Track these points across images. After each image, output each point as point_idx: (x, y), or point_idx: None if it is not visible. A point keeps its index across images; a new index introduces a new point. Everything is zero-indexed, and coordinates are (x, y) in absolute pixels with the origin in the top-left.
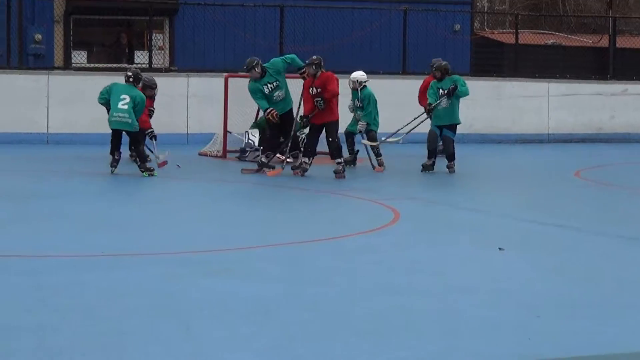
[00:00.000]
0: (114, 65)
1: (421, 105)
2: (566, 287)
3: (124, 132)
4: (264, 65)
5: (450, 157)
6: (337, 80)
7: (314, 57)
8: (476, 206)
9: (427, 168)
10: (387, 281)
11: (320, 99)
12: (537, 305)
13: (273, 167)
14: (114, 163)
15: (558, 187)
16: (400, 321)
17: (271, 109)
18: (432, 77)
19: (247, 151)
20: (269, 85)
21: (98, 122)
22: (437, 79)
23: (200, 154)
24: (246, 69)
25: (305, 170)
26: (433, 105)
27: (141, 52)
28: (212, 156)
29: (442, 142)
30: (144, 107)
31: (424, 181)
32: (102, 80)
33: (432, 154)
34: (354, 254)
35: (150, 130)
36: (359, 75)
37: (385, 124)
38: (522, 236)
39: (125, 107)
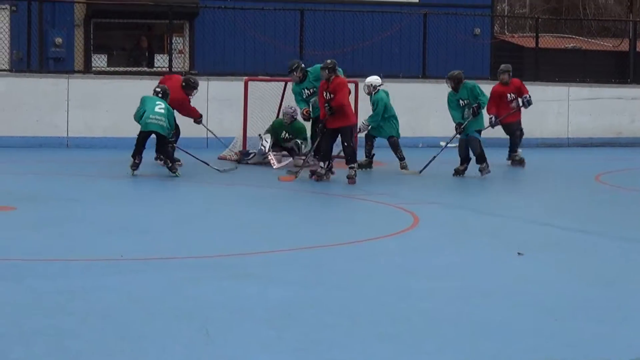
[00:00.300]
0: (134, 69)
1: (489, 113)
2: (586, 291)
3: (153, 136)
4: (308, 69)
5: (480, 158)
6: (348, 88)
7: (328, 61)
8: (496, 210)
9: (458, 172)
10: (408, 285)
11: (328, 105)
12: (557, 309)
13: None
14: (134, 166)
15: (578, 191)
16: (421, 325)
17: (305, 107)
18: (500, 84)
19: (251, 153)
20: (306, 90)
21: (118, 126)
22: (453, 89)
23: (219, 158)
24: (288, 72)
25: (321, 175)
26: (463, 125)
27: (161, 55)
28: (231, 160)
29: (468, 145)
30: (173, 120)
31: (443, 185)
32: (122, 84)
33: (464, 160)
34: (375, 257)
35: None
36: (372, 79)
37: (406, 128)
38: (542, 240)
39: (162, 110)
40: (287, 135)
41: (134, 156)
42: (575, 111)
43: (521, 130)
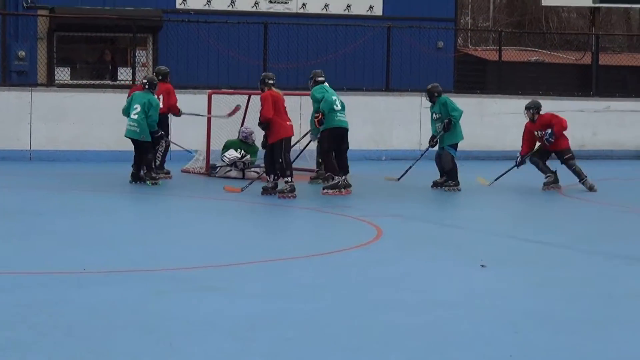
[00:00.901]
0: (98, 82)
1: (521, 154)
2: (547, 303)
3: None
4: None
5: (450, 175)
6: (269, 101)
7: (263, 73)
8: (460, 223)
9: (436, 184)
10: (372, 297)
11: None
12: (519, 321)
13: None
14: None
15: (541, 203)
16: (385, 338)
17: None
18: (530, 123)
19: (218, 167)
20: None
21: (81, 139)
22: (431, 102)
23: (183, 171)
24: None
25: (267, 189)
26: (435, 138)
27: (125, 68)
28: (194, 172)
29: (441, 159)
30: (157, 112)
31: (407, 198)
32: (85, 97)
33: (442, 172)
34: (339, 270)
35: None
36: None
37: (369, 141)
38: (505, 252)
39: (136, 117)
40: (243, 152)
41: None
42: None
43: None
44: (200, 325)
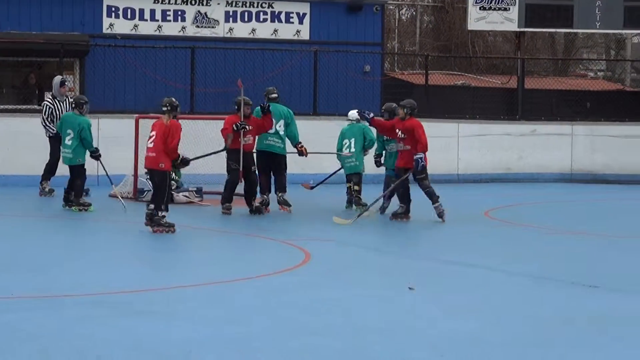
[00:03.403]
0: (24, 107)
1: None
2: (473, 325)
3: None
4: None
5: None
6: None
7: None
8: (386, 247)
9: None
10: (302, 321)
11: None
12: (445, 344)
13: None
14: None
15: (468, 226)
16: None
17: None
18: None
19: (145, 191)
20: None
21: (6, 163)
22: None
23: (110, 196)
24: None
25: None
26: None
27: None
28: (122, 197)
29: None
30: (90, 132)
31: (332, 222)
32: (11, 121)
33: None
34: (270, 293)
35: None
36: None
37: (294, 166)
38: (432, 276)
39: (70, 142)
40: (173, 175)
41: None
42: (465, 147)
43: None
44: (132, 350)
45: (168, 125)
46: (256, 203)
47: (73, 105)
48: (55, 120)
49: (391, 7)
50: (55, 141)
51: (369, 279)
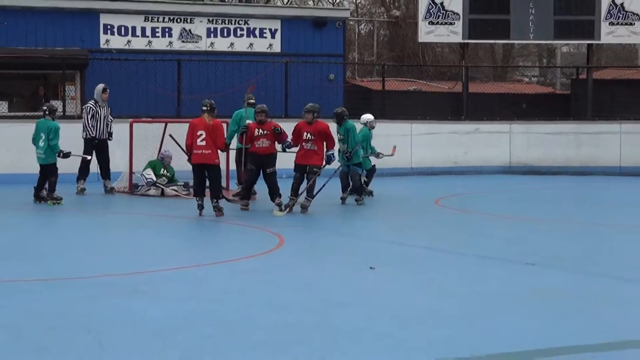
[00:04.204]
0: (32, 113)
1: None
2: (429, 300)
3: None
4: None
5: (357, 191)
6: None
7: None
8: (352, 231)
9: (343, 200)
10: (277, 299)
11: None
12: (406, 317)
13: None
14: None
15: (422, 213)
16: (289, 333)
17: None
18: (305, 123)
19: (139, 186)
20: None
21: (17, 164)
22: (337, 125)
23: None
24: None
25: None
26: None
27: (55, 101)
28: (119, 192)
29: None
30: (57, 135)
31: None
32: (21, 127)
33: (344, 189)
34: (247, 275)
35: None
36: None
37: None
38: (392, 257)
39: (42, 144)
40: (164, 172)
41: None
42: (417, 144)
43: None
44: (126, 326)
45: (212, 124)
46: (277, 201)
47: (47, 112)
48: (96, 123)
49: (351, 22)
50: (91, 143)
51: (336, 259)
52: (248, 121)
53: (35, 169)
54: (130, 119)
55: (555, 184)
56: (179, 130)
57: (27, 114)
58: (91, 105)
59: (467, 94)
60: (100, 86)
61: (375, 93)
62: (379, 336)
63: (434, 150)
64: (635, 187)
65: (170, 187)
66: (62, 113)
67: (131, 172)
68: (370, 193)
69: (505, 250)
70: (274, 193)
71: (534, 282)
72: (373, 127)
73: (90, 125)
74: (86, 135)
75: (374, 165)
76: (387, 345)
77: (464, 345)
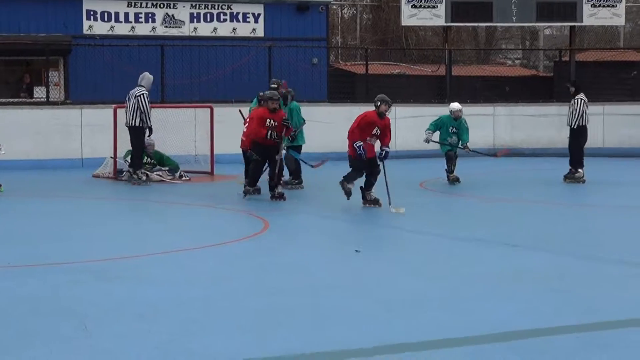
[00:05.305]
0: (16, 100)
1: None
2: (415, 283)
3: None
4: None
5: (294, 174)
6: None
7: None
8: (336, 214)
9: (285, 184)
10: (263, 282)
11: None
12: (391, 300)
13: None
14: None
15: (407, 196)
16: (276, 317)
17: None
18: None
19: (124, 171)
20: None
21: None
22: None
23: (94, 176)
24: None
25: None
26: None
27: (39, 87)
28: (104, 177)
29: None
30: None
31: (289, 195)
32: (6, 113)
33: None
34: (233, 259)
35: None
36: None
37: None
38: (378, 239)
39: None
40: (148, 159)
41: None
42: (402, 127)
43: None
44: (111, 310)
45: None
46: (278, 190)
47: None
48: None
49: (334, 6)
50: (143, 131)
51: (321, 243)
52: (254, 107)
53: (23, 155)
54: (114, 105)
55: (539, 166)
56: (162, 113)
57: (12, 100)
58: (148, 94)
59: (450, 77)
60: (150, 75)
61: (359, 77)
62: (364, 319)
63: (418, 134)
64: (617, 168)
65: (156, 173)
66: (45, 99)
67: (116, 158)
68: (456, 179)
69: (489, 232)
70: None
71: (517, 264)
72: (459, 117)
73: (148, 116)
74: (141, 123)
75: (450, 150)
76: (372, 327)
77: (448, 327)
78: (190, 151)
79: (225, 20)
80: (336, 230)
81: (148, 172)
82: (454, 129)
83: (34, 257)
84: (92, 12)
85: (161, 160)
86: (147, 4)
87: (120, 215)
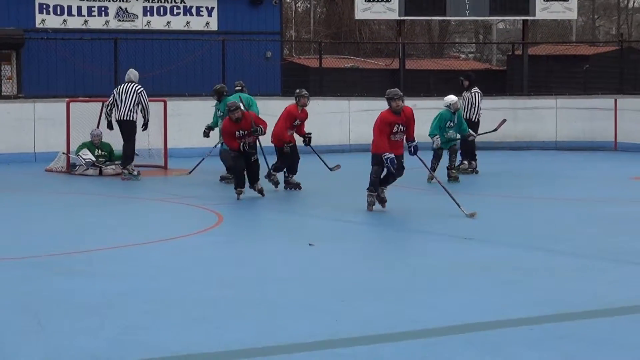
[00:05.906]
0: None
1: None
2: (368, 274)
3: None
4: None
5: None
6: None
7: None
8: (291, 208)
9: (221, 179)
10: (215, 275)
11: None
12: (344, 291)
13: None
14: None
15: (361, 190)
16: (227, 309)
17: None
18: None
19: (77, 166)
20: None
21: None
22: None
23: (46, 170)
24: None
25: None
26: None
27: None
28: (57, 172)
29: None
30: None
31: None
32: None
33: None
34: (185, 252)
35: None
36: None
37: (204, 139)
38: (332, 233)
39: None
40: (99, 152)
41: None
42: (355, 121)
43: None
44: (64, 304)
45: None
46: (258, 187)
47: None
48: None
49: (288, 0)
50: (136, 127)
51: (274, 236)
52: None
53: None
54: (67, 99)
55: (491, 159)
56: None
57: None
58: (144, 90)
59: (404, 71)
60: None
61: (313, 70)
62: (318, 311)
63: (371, 127)
64: (570, 161)
65: (109, 167)
66: None
67: (69, 152)
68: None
69: (442, 225)
70: (255, 179)
71: (471, 256)
72: (458, 109)
73: (147, 109)
74: (137, 118)
75: (454, 144)
76: (326, 320)
77: (404, 320)
78: (144, 145)
79: (178, 13)
80: (290, 225)
81: (102, 166)
82: (451, 123)
83: None
84: (44, 6)
85: (111, 152)
86: None
87: (72, 209)
